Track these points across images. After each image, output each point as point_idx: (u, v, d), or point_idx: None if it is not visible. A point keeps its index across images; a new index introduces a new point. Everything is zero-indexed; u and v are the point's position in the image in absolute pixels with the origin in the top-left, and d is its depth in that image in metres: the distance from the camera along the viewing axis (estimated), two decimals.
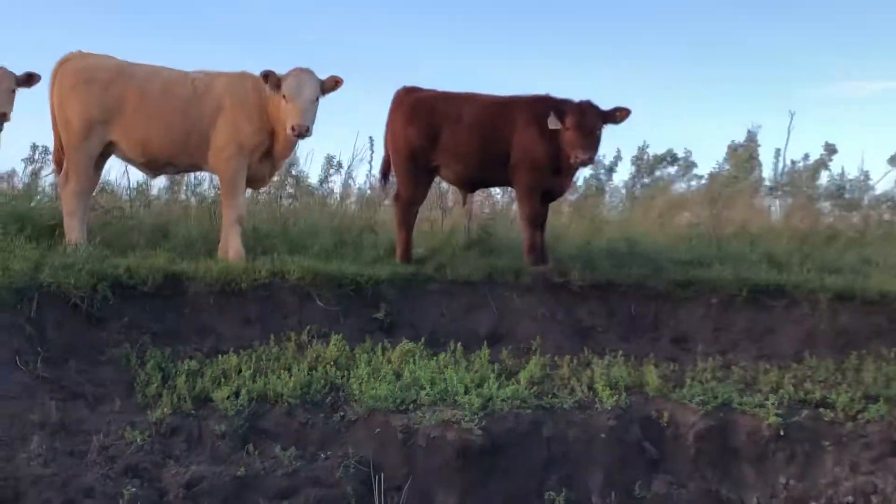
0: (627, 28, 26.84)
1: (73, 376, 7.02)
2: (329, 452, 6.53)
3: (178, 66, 9.50)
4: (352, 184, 14.33)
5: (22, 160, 13.72)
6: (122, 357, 7.36)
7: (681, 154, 16.57)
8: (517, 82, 24.28)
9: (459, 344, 8.07)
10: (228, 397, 6.75)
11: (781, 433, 7.09)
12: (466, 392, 7.08)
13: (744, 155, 15.59)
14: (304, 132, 8.79)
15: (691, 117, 25.32)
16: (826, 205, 14.88)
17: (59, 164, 9.51)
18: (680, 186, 16.36)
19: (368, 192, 13.97)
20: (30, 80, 9.25)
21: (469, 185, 10.09)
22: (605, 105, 9.06)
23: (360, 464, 6.44)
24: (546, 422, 6.97)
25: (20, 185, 12.10)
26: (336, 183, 14.39)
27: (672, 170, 16.70)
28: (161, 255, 8.47)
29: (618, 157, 16.09)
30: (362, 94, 18.70)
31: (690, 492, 6.98)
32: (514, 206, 12.02)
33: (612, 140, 15.60)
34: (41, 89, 9.38)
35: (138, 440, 6.20)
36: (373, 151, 13.05)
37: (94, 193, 9.86)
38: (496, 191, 13.70)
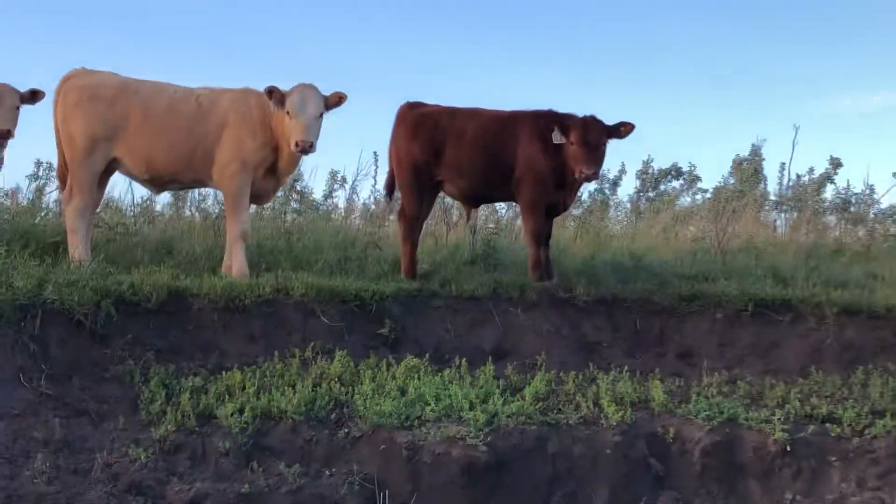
0: (631, 43, 26.88)
1: (77, 393, 7.00)
2: (334, 469, 6.50)
3: (181, 82, 9.52)
4: (356, 199, 14.40)
5: (26, 177, 13.80)
6: (126, 374, 7.33)
7: (685, 168, 16.64)
8: (522, 97, 24.36)
9: (464, 359, 8.05)
10: (232, 414, 6.72)
11: (788, 448, 7.05)
12: (471, 408, 7.05)
13: (749, 169, 15.61)
14: (307, 148, 8.79)
15: (696, 131, 25.38)
16: (831, 219, 14.89)
17: (62, 180, 9.51)
18: (685, 200, 16.43)
19: (373, 207, 14.01)
20: (34, 96, 9.23)
21: (473, 200, 10.08)
22: (610, 120, 9.06)
23: (364, 481, 6.41)
24: (551, 438, 6.94)
25: (24, 202, 12.09)
26: (340, 198, 14.47)
27: (677, 184, 16.76)
28: (165, 272, 8.46)
29: (622, 172, 16.14)
30: (366, 109, 18.75)
31: None
32: (519, 221, 12.02)
33: (616, 154, 15.71)
34: (45, 106, 9.39)
35: (142, 457, 6.18)
36: (377, 167, 13.10)
37: (97, 210, 9.86)
38: (501, 205, 13.73)
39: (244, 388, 7.17)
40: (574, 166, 8.91)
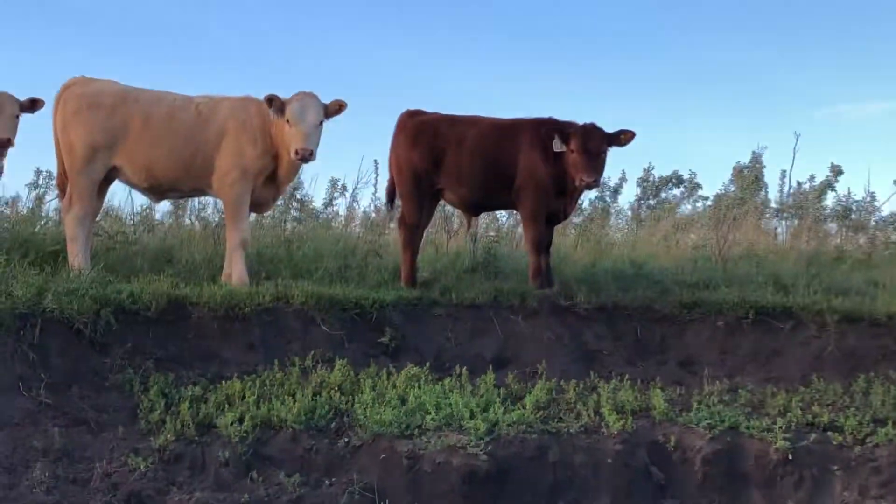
0: (631, 51, 26.90)
1: (76, 402, 6.99)
2: (334, 479, 6.48)
3: (181, 90, 9.53)
4: (356, 207, 14.40)
5: (26, 185, 13.83)
6: (126, 383, 7.32)
7: (686, 176, 16.65)
8: (522, 105, 24.38)
9: (465, 368, 8.03)
10: (232, 423, 6.70)
11: (789, 457, 7.01)
12: (472, 417, 7.03)
13: (749, 176, 15.61)
14: (307, 156, 8.78)
15: (696, 139, 25.38)
16: (832, 226, 14.88)
17: (62, 189, 9.51)
18: (685, 208, 16.43)
19: (373, 215, 14.00)
20: (33, 105, 9.23)
21: (473, 208, 10.07)
22: (610, 127, 9.06)
23: (364, 490, 6.39)
24: (552, 447, 6.92)
25: (24, 211, 12.09)
26: (341, 206, 14.48)
27: (677, 191, 16.78)
28: (164, 280, 8.45)
29: (623, 179, 16.15)
30: (367, 117, 18.77)
31: None
32: (519, 229, 12.01)
33: (617, 162, 15.68)
34: (45, 114, 9.39)
35: (141, 467, 6.16)
36: (377, 175, 13.11)
37: (97, 218, 9.86)
38: (501, 213, 13.73)
39: (244, 397, 7.15)
40: (574, 174, 8.91)
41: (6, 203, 12.54)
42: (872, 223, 14.65)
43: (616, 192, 16.18)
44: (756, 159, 15.92)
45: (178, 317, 8.07)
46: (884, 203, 14.85)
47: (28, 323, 7.20)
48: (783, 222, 15.23)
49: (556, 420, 7.24)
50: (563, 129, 9.07)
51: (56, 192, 10.58)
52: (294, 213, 13.77)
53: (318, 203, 14.21)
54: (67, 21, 24.94)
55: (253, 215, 10.07)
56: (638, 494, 6.93)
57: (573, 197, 9.54)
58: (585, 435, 7.10)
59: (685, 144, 25.70)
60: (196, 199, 12.16)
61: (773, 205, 15.59)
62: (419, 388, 7.52)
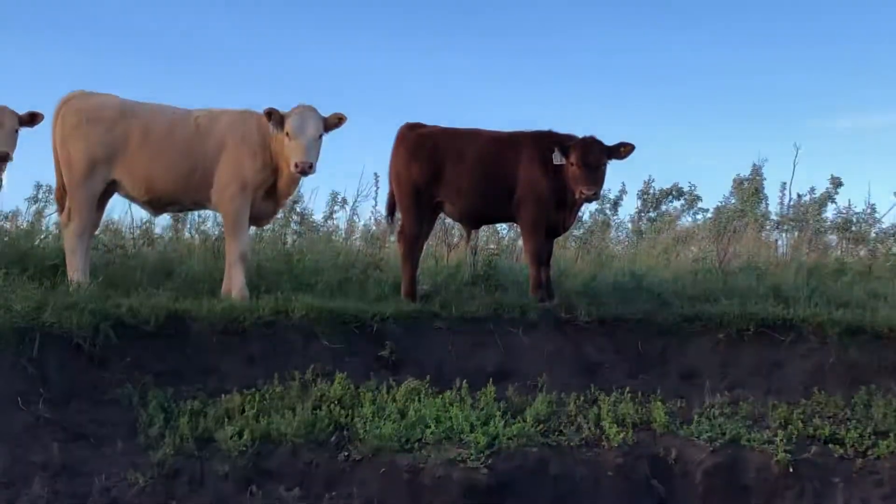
0: (631, 63, 26.92)
1: (76, 417, 6.99)
2: (334, 493, 6.48)
3: (181, 104, 9.53)
4: (356, 220, 14.38)
5: (25, 200, 13.80)
6: (125, 397, 7.31)
7: (686, 188, 16.58)
8: (522, 117, 24.31)
9: (465, 381, 8.01)
10: (232, 437, 6.70)
11: (790, 470, 7.02)
12: (472, 430, 7.03)
13: (749, 189, 15.58)
14: (307, 169, 8.77)
15: (696, 151, 25.32)
16: (833, 238, 14.84)
17: (61, 202, 9.50)
18: (686, 220, 16.37)
19: (373, 228, 13.98)
20: (32, 119, 9.24)
21: (473, 221, 10.05)
22: (610, 140, 9.05)
23: None
24: (553, 460, 6.92)
25: (24, 225, 12.09)
26: (341, 219, 14.44)
27: (678, 204, 16.71)
28: (164, 294, 8.44)
29: (623, 192, 16.10)
30: (367, 130, 18.77)
31: None
32: (519, 242, 12.00)
33: (617, 174, 15.62)
34: (44, 129, 9.39)
35: (140, 481, 6.17)
36: (377, 188, 13.07)
37: (96, 232, 9.85)
38: (502, 226, 13.71)
39: (243, 410, 7.14)
40: (574, 187, 8.90)
41: (5, 217, 12.55)
42: (873, 235, 14.60)
43: (616, 204, 16.12)
44: (756, 171, 15.88)
45: (177, 331, 8.05)
46: (884, 215, 14.80)
47: (27, 337, 7.20)
48: (783, 234, 15.18)
49: (556, 433, 7.24)
50: (562, 142, 9.06)
51: (55, 206, 10.57)
52: (294, 226, 13.74)
53: (318, 216, 14.20)
54: (67, 34, 24.97)
55: (253, 228, 10.06)
56: None
57: (573, 210, 9.52)
58: (586, 448, 7.11)
59: (685, 157, 25.67)
60: (196, 213, 12.14)
61: (774, 217, 15.54)
62: (419, 401, 7.51)
